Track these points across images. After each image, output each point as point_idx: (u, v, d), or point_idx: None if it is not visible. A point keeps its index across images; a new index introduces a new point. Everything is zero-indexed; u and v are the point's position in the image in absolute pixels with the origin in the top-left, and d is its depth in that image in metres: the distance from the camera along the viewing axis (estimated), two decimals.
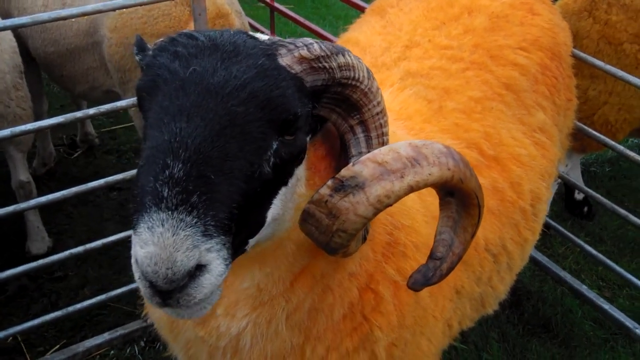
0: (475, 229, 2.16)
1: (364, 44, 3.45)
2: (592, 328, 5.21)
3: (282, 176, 1.97)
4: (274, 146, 1.89)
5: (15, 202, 5.11)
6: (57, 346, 4.79)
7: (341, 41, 3.69)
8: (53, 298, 5.26)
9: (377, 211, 1.90)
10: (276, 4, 7.86)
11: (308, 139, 2.08)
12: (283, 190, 1.99)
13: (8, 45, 4.96)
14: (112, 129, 7.71)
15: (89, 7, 3.49)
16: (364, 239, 2.24)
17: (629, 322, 4.64)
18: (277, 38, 2.01)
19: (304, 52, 1.93)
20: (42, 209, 5.86)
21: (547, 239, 6.05)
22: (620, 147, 4.48)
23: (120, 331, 4.63)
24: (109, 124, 7.76)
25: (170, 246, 1.65)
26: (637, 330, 4.58)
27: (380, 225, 2.39)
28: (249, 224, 1.90)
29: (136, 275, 1.73)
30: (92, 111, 3.72)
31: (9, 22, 3.53)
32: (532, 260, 5.19)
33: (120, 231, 4.42)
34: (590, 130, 4.69)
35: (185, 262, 1.65)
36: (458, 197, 2.11)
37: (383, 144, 2.15)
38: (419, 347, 2.67)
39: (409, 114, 3.01)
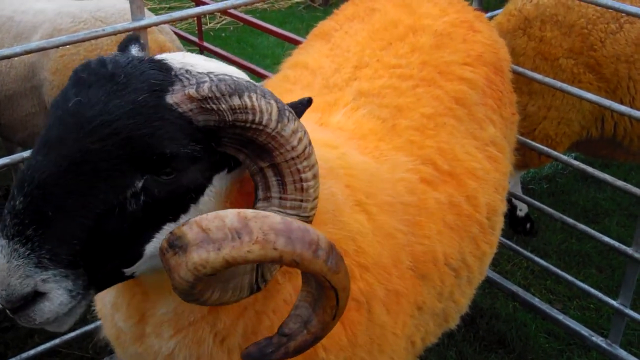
0: (336, 312, 2.00)
1: (313, 66, 3.47)
2: (547, 340, 5.27)
3: (164, 213, 1.96)
4: (139, 185, 1.88)
5: None
6: None
7: (289, 64, 3.70)
8: (1, 349, 5.07)
9: (197, 278, 1.78)
10: (205, 44, 7.89)
11: (220, 176, 2.07)
12: (170, 226, 1.96)
13: None
14: None
15: (33, 45, 3.42)
16: (258, 289, 2.09)
17: (584, 331, 4.70)
18: (192, 66, 2.00)
19: (192, 91, 1.88)
20: None
21: (494, 257, 6.09)
22: (565, 157, 4.59)
23: None
24: None
25: (4, 271, 1.77)
26: (592, 338, 4.64)
27: None
28: (115, 257, 1.94)
29: None
30: None
31: None
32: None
33: None
34: (534, 143, 4.79)
35: (18, 289, 1.77)
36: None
37: (302, 190, 2.04)
38: None
39: (363, 133, 3.03)
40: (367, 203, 2.64)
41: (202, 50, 7.87)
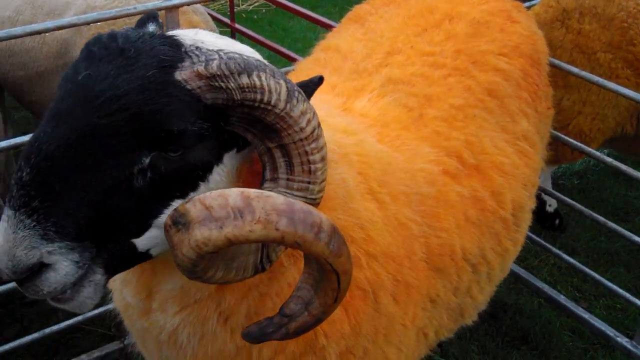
0: (337, 295, 2.00)
1: (345, 50, 3.40)
2: (571, 339, 5.20)
3: (171, 190, 1.95)
4: (146, 161, 1.88)
5: None
6: None
7: (321, 47, 3.64)
8: (25, 323, 5.12)
9: (199, 255, 1.78)
10: (237, 25, 7.83)
11: (230, 155, 2.06)
12: (178, 203, 1.93)
13: None
14: None
15: (64, 21, 3.40)
16: (262, 269, 2.08)
17: (609, 331, 4.62)
18: (203, 43, 1.96)
19: (201, 68, 1.86)
20: None
21: (521, 252, 6.03)
22: (598, 154, 4.50)
23: (96, 353, 4.52)
24: None
25: (10, 242, 1.78)
26: (617, 339, 4.56)
27: None
28: (123, 232, 1.94)
29: None
30: None
31: None
32: (509, 272, 5.17)
33: None
34: (567, 138, 4.71)
35: (24, 259, 1.78)
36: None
37: (310, 172, 2.02)
38: (385, 356, 2.62)
39: (386, 121, 2.97)
40: (379, 192, 2.59)
41: (234, 32, 7.80)
